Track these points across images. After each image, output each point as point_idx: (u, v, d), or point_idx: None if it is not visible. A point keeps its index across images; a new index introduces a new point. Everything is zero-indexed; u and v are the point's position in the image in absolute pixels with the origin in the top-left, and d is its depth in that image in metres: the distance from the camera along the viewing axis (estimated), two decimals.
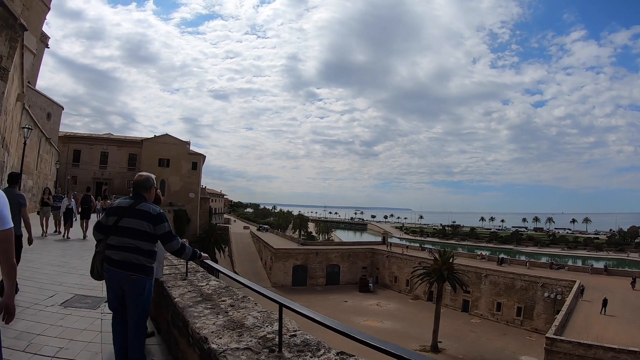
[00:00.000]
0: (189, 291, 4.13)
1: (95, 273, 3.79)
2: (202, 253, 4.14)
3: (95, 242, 3.80)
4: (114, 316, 3.68)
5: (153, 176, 3.98)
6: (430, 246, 65.83)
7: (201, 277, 4.92)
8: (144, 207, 3.58)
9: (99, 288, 6.18)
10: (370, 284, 52.23)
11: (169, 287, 4.32)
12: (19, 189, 7.28)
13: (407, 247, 63.13)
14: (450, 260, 36.27)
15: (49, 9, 25.41)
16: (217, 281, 4.66)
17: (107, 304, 5.50)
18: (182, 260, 5.24)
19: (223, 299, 3.79)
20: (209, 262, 4.30)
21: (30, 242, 6.17)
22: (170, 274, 5.08)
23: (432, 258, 40.38)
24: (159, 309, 4.54)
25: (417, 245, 70.84)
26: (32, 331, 4.31)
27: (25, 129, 16.42)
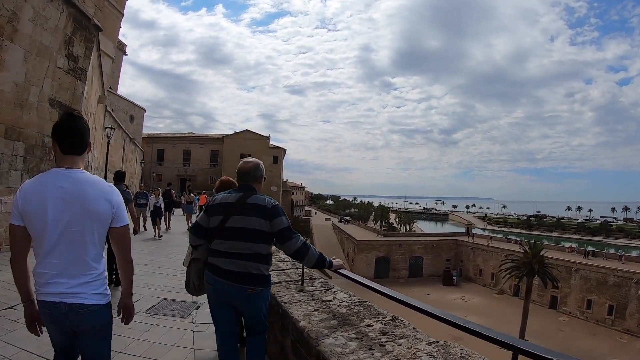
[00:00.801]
0: (315, 310, 3.05)
1: (192, 287, 2.99)
2: (332, 259, 2.99)
3: (191, 247, 3.01)
4: (222, 332, 2.83)
5: (261, 163, 3.02)
6: (514, 237, 61.51)
7: (321, 286, 3.77)
8: (256, 199, 2.73)
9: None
10: (454, 277, 49.94)
11: (285, 302, 3.22)
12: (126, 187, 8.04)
13: (491, 238, 59.11)
14: (541, 253, 33.67)
15: (123, 14, 26.55)
16: (344, 292, 3.48)
17: (196, 311, 5.01)
18: (294, 261, 4.21)
19: (367, 322, 2.73)
20: (346, 272, 3.11)
21: (135, 232, 7.30)
22: (281, 282, 3.90)
23: (520, 250, 37.87)
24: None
25: (501, 236, 65.96)
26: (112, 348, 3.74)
27: (108, 129, 17.07)
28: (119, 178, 7.41)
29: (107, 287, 2.05)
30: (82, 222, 1.87)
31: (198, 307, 5.29)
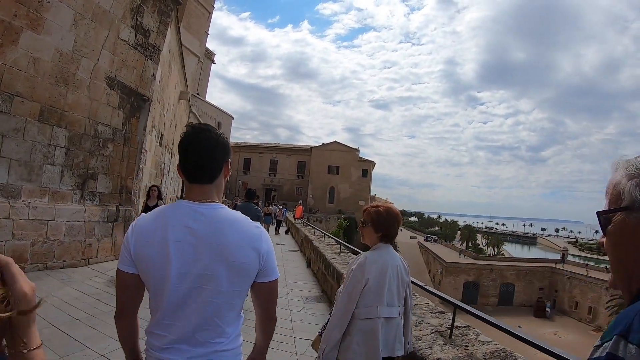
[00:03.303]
0: None
1: None
2: None
3: None
4: None
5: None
6: (607, 266, 52.54)
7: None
8: None
9: None
10: (547, 309, 44.07)
11: None
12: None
13: (587, 265, 51.46)
14: None
15: (210, 13, 25.67)
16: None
17: None
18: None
19: None
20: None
21: None
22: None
23: None
24: None
25: (595, 264, 57.96)
26: None
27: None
28: (251, 196, 6.88)
29: None
30: (218, 276, 1.35)
31: None
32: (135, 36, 8.73)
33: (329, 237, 11.14)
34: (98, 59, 7.72)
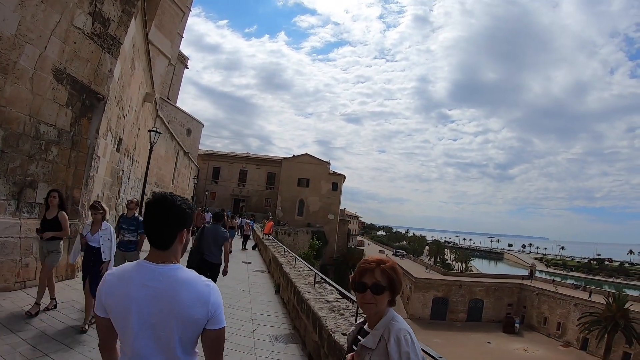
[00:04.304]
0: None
1: None
2: None
3: None
4: None
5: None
6: (573, 281, 57.81)
7: None
8: None
9: None
10: (516, 324, 45.01)
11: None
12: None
13: (554, 281, 53.45)
14: (626, 307, 31.04)
15: (184, 12, 24.47)
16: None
17: None
18: None
19: None
20: None
21: (225, 273, 6.81)
22: None
23: (589, 299, 37.34)
24: None
25: (559, 279, 60.64)
26: None
27: (152, 132, 14.07)
28: (219, 219, 7.22)
29: None
30: (171, 326, 1.61)
31: None
32: (93, 24, 7.64)
33: (300, 260, 10.24)
34: (45, 47, 6.59)
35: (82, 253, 5.61)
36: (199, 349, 1.70)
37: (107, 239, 5.47)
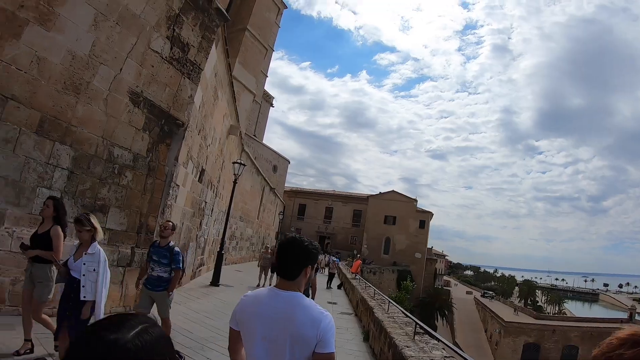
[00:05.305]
0: None
1: None
2: None
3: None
4: None
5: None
6: None
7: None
8: None
9: None
10: None
11: None
12: None
13: None
14: None
15: (267, 50, 25.36)
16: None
17: None
18: None
19: None
20: None
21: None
22: None
23: None
24: None
25: None
26: None
27: (237, 164, 14.08)
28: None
29: None
30: (285, 341, 1.88)
31: None
32: (171, 49, 7.55)
33: (394, 305, 8.79)
34: (121, 69, 6.51)
35: (63, 286, 4.08)
36: None
37: (93, 268, 3.85)
